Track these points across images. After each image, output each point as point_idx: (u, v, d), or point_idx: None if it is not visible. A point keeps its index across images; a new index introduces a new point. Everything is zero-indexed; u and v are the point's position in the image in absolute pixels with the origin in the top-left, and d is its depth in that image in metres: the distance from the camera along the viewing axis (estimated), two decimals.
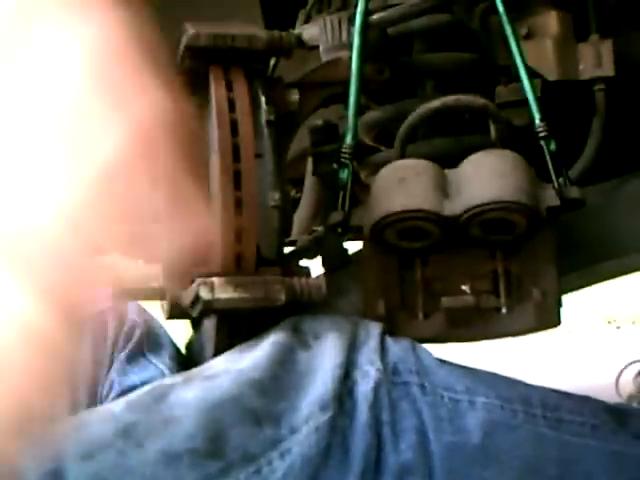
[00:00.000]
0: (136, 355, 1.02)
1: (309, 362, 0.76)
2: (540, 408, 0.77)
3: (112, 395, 0.98)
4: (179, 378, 0.77)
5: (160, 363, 1.00)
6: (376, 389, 0.75)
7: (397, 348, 0.79)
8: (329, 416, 0.73)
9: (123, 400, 0.75)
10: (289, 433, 0.71)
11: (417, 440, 0.74)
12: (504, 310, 0.84)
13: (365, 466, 0.72)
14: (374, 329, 0.80)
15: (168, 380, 0.78)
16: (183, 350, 1.05)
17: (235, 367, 0.76)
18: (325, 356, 0.76)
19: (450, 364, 0.80)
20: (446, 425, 0.75)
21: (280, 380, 0.74)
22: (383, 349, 0.78)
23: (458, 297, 0.85)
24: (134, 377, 0.98)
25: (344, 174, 0.86)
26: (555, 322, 0.84)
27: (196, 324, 0.97)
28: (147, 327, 1.05)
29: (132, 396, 0.76)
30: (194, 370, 0.79)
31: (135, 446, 0.68)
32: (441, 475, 0.73)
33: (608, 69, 0.92)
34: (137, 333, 1.04)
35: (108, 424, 0.70)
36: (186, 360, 1.03)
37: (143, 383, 0.93)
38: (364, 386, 0.75)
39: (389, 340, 0.80)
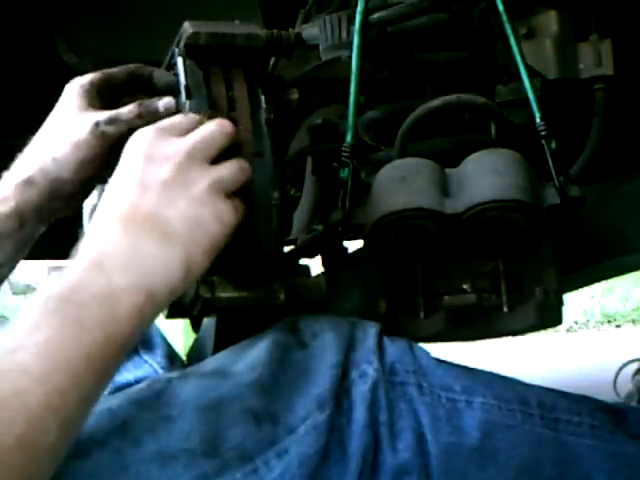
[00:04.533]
0: (129, 353, 1.02)
1: (307, 361, 0.76)
2: (537, 408, 0.77)
3: (105, 392, 0.98)
4: (177, 375, 0.76)
5: (154, 362, 1.00)
6: (374, 389, 0.75)
7: (394, 348, 0.79)
8: (326, 415, 0.73)
9: (121, 395, 0.74)
10: (286, 433, 0.71)
11: (414, 440, 0.74)
12: (505, 309, 0.84)
13: (362, 466, 0.72)
14: (371, 329, 0.80)
15: (166, 377, 0.77)
16: (184, 350, 1.05)
17: (233, 366, 0.76)
18: (323, 355, 0.76)
19: (448, 364, 0.80)
20: (443, 425, 0.75)
21: (278, 379, 0.74)
22: (381, 349, 0.78)
23: (459, 296, 0.85)
24: (128, 375, 0.98)
25: (344, 173, 0.86)
26: (557, 321, 0.83)
27: (196, 323, 0.97)
28: None
29: (131, 391, 0.75)
30: (192, 368, 0.79)
31: (132, 444, 0.68)
32: (438, 475, 0.73)
33: (608, 68, 0.92)
34: None
35: (105, 420, 0.69)
36: (188, 358, 1.03)
37: (137, 381, 0.92)
38: (362, 386, 0.75)
39: (386, 340, 0.79)
